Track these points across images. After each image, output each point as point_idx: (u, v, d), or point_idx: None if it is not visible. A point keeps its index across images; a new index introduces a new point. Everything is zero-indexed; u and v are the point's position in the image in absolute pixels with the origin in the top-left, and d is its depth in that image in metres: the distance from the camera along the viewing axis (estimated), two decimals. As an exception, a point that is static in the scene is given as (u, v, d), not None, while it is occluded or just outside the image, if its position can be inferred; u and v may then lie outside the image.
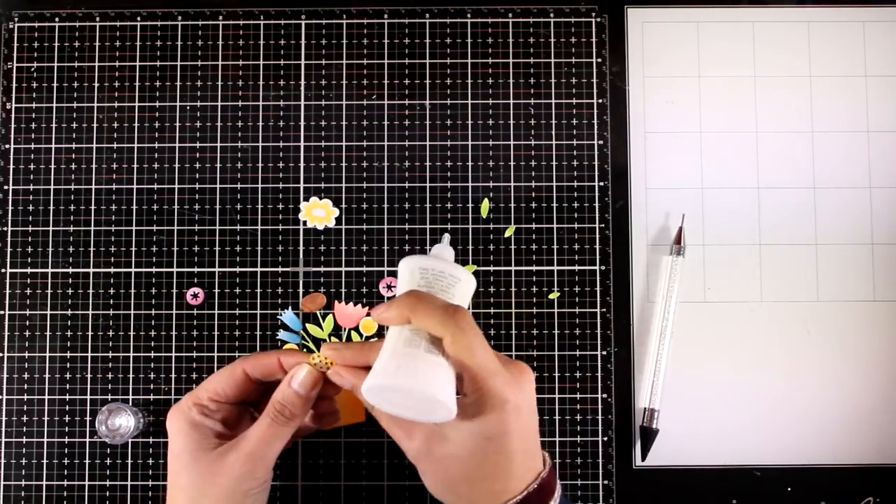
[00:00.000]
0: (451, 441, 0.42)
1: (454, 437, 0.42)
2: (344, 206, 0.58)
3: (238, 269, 0.58)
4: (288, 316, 0.57)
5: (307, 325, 0.57)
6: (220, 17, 0.59)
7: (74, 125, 0.59)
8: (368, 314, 0.57)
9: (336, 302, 0.57)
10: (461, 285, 0.44)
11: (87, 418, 0.57)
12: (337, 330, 0.57)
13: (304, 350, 0.57)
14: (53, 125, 0.59)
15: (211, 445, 0.45)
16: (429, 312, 0.41)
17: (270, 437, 0.45)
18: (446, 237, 0.50)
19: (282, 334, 0.57)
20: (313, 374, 0.45)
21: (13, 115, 0.59)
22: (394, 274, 0.58)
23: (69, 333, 0.57)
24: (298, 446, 0.56)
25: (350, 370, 0.44)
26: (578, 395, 0.57)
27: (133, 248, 0.58)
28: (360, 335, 0.57)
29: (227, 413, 0.47)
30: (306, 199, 0.58)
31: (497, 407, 0.41)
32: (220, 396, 0.47)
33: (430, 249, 0.58)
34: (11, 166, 0.58)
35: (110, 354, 0.57)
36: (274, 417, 0.44)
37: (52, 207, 0.58)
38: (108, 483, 0.56)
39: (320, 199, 0.58)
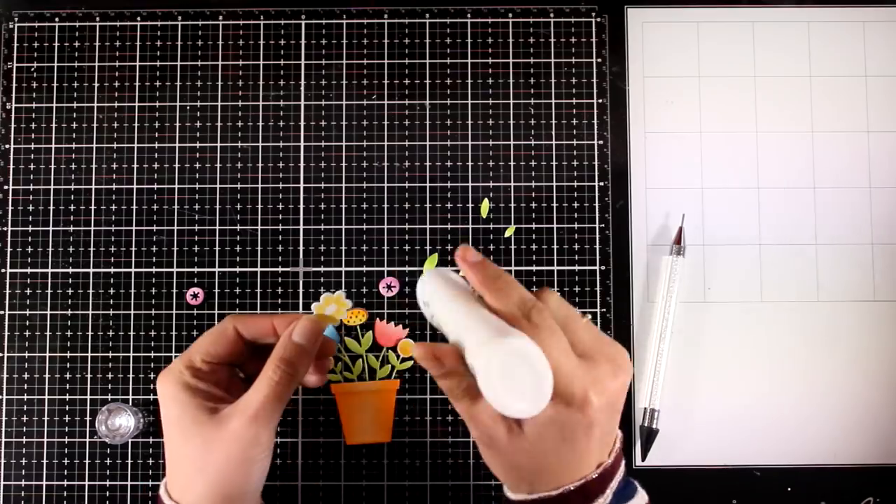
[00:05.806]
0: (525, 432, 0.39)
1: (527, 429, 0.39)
2: (344, 205, 0.58)
3: (238, 269, 0.58)
4: (328, 329, 0.57)
5: (346, 339, 0.57)
6: (220, 17, 0.59)
7: (74, 125, 0.59)
8: (408, 336, 0.57)
9: (378, 320, 0.57)
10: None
11: (87, 418, 0.57)
12: (377, 349, 0.57)
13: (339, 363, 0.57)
14: (53, 125, 0.59)
15: (209, 410, 0.43)
16: (506, 304, 0.38)
17: (273, 399, 0.43)
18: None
19: None
20: (315, 324, 0.44)
21: (13, 115, 0.59)
22: (393, 274, 0.58)
23: (69, 333, 0.57)
24: (298, 447, 0.57)
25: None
26: (578, 395, 0.57)
27: (133, 248, 0.58)
28: (397, 356, 0.57)
29: (218, 375, 0.46)
30: (316, 299, 0.57)
31: (567, 405, 0.38)
32: (212, 357, 0.45)
33: (429, 251, 0.58)
34: (11, 166, 0.58)
35: (110, 354, 0.57)
36: (278, 377, 0.43)
37: (52, 207, 0.58)
38: (108, 483, 0.56)
39: (332, 293, 0.57)
